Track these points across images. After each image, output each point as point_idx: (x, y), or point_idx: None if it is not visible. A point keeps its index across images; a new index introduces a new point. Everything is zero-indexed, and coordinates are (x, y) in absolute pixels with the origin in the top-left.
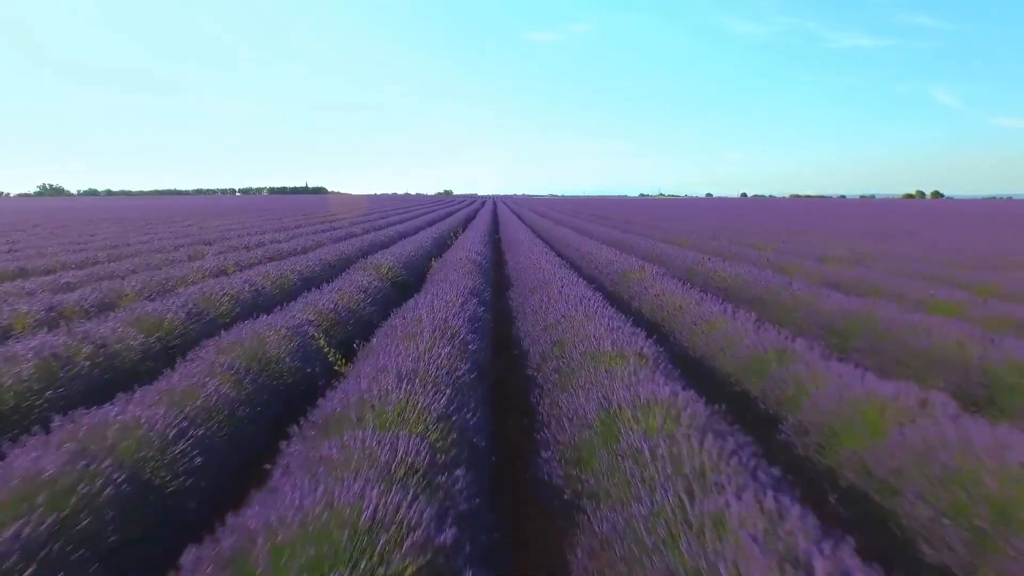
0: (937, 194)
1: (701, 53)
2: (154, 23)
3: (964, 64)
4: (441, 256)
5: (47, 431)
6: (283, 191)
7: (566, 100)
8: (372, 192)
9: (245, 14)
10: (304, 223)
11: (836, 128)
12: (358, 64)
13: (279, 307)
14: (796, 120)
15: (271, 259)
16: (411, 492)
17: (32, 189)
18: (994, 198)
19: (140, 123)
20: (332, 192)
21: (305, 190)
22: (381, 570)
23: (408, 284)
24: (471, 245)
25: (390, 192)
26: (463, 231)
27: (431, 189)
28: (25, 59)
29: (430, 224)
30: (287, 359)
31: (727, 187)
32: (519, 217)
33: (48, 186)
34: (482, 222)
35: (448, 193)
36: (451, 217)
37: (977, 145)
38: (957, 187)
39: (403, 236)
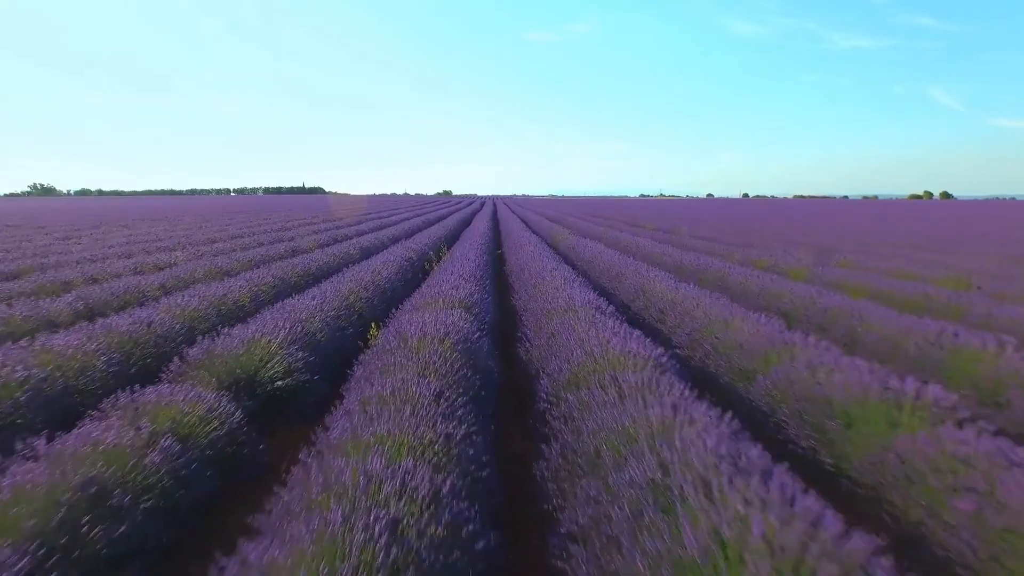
0: (946, 195)
1: (701, 53)
2: (149, 20)
3: (963, 65)
4: (400, 306)
5: None
6: (278, 191)
7: (566, 100)
8: (371, 192)
9: (245, 12)
10: (249, 232)
11: (835, 129)
12: (360, 64)
13: None
14: (795, 121)
15: (45, 326)
16: None
17: (23, 188)
18: (997, 198)
19: (138, 123)
20: (329, 192)
21: (302, 190)
22: None
23: (295, 401)
24: (456, 283)
25: (389, 192)
26: (450, 248)
27: (431, 189)
28: (15, 57)
29: (411, 234)
30: None
31: (727, 187)
32: (524, 222)
33: (39, 186)
34: (479, 230)
35: (448, 193)
36: (442, 223)
37: (976, 146)
38: (956, 188)
39: (366, 255)
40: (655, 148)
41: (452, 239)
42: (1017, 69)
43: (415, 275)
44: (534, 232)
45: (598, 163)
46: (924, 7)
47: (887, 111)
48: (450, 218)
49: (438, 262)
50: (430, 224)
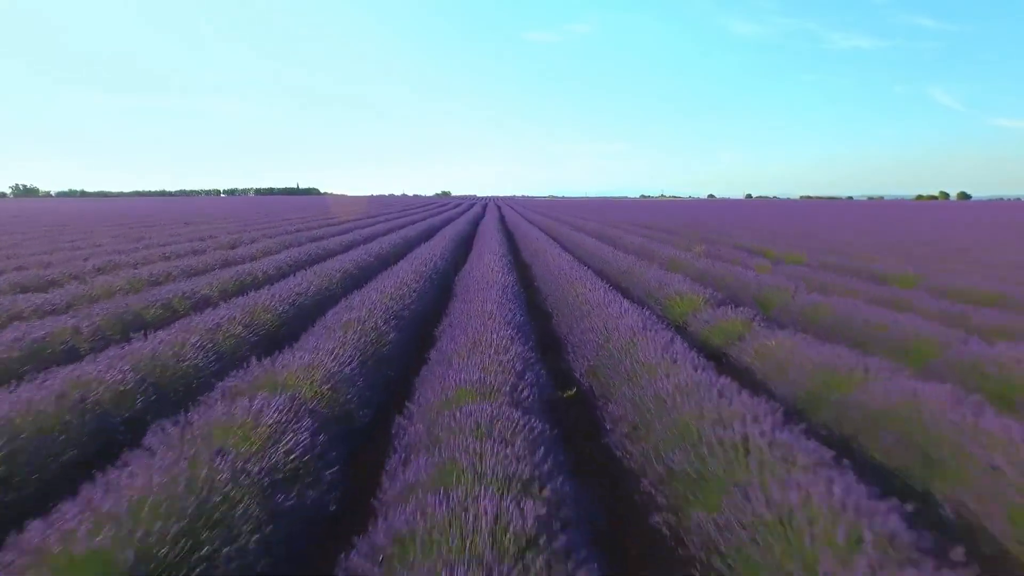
0: (964, 195)
1: (701, 53)
2: (141, 18)
3: (963, 65)
4: None
5: None
6: (271, 192)
7: (566, 100)
8: (369, 193)
9: (243, 11)
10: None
11: (835, 129)
12: (359, 64)
13: None
14: (795, 121)
15: None
16: None
17: (3, 190)
18: (1002, 199)
19: (133, 123)
20: (325, 193)
21: (295, 191)
22: None
23: None
24: None
25: (387, 193)
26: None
27: (430, 190)
28: (6, 54)
29: (341, 296)
30: None
31: (728, 187)
32: (559, 244)
33: (21, 186)
34: (491, 276)
35: (446, 194)
36: (421, 252)
37: (977, 146)
38: (956, 188)
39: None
40: (655, 148)
41: (430, 324)
42: (1017, 69)
43: None
44: (609, 282)
45: (598, 163)
46: (924, 7)
47: (887, 111)
48: (440, 235)
49: None
50: (403, 251)
